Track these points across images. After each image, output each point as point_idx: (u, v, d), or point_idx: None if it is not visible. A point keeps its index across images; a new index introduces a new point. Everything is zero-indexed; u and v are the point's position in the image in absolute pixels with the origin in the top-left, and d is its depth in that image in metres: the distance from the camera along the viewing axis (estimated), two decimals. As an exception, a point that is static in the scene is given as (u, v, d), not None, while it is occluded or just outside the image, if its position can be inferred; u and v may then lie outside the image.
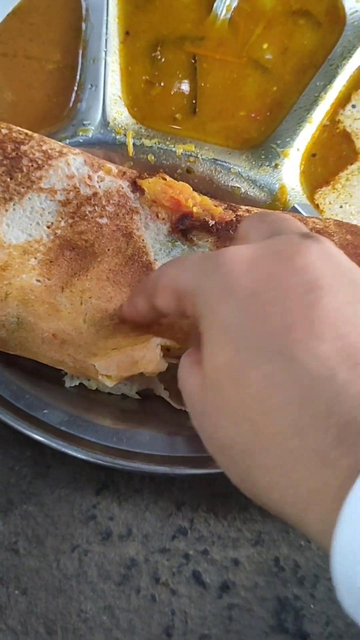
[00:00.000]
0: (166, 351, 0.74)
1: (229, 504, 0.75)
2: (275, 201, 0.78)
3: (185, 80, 0.82)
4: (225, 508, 0.75)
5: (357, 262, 0.73)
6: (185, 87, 0.82)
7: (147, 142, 0.78)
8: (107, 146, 0.78)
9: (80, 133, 0.78)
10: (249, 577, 0.72)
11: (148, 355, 0.70)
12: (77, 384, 0.73)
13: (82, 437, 0.71)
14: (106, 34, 0.81)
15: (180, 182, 0.74)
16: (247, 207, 0.74)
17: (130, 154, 0.78)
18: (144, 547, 0.73)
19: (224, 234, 0.72)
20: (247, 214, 0.73)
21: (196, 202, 0.73)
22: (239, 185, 0.78)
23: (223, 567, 0.73)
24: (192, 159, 0.78)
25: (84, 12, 0.83)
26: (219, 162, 0.78)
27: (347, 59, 0.82)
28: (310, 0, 0.85)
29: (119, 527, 0.74)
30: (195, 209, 0.72)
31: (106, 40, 0.81)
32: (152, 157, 0.78)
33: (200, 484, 0.75)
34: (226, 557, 0.73)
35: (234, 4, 0.85)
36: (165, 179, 0.74)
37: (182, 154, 0.78)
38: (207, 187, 0.79)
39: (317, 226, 0.73)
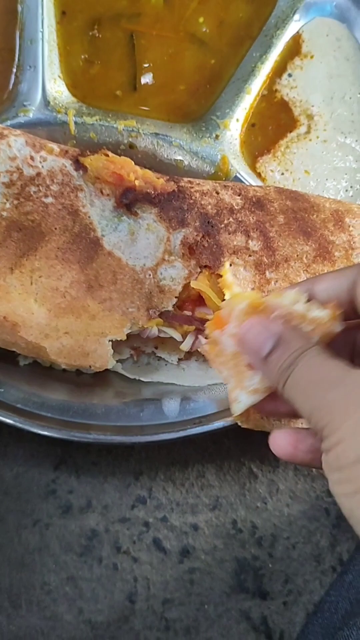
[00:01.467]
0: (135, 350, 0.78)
1: (187, 471, 0.77)
2: (218, 172, 0.80)
3: (124, 57, 0.83)
4: (183, 475, 0.77)
5: (297, 226, 0.77)
6: (124, 63, 0.83)
7: (88, 120, 0.79)
8: (49, 126, 0.79)
9: (21, 114, 0.79)
10: (208, 541, 0.75)
11: (99, 350, 0.72)
12: (31, 361, 0.75)
13: (38, 413, 0.73)
14: (42, 14, 0.82)
15: (122, 157, 0.75)
16: (189, 179, 0.76)
17: (72, 133, 0.79)
18: (104, 518, 0.75)
19: (166, 204, 0.73)
20: (190, 185, 0.75)
21: (138, 176, 0.74)
22: (181, 158, 0.80)
23: (182, 532, 0.75)
24: (134, 134, 0.79)
25: (19, -6, 0.85)
26: (160, 136, 0.80)
27: (281, 29, 0.84)
28: (244, -27, 0.87)
29: (78, 500, 0.76)
30: (137, 182, 0.74)
31: (42, 21, 0.82)
32: (95, 135, 0.79)
33: (157, 452, 0.77)
34: (185, 523, 0.76)
35: (169, -21, 0.87)
36: (107, 155, 0.76)
37: (123, 129, 0.79)
38: (151, 162, 0.80)
39: (258, 194, 0.76)
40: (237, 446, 0.78)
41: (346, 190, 0.83)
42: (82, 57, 0.83)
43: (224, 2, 0.86)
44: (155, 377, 0.75)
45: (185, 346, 0.74)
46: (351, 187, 0.83)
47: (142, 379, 0.75)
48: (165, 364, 0.77)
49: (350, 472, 0.47)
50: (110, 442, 0.69)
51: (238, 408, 0.60)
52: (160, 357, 0.77)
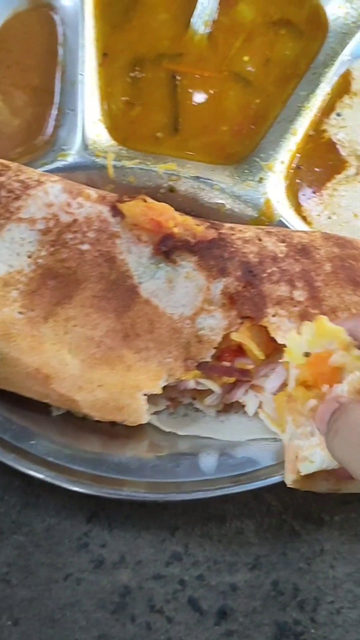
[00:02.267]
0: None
1: (225, 527, 0.74)
2: (261, 216, 0.77)
3: (166, 98, 0.82)
4: (221, 531, 0.74)
5: (344, 275, 0.74)
6: (166, 105, 0.82)
7: (127, 164, 0.78)
8: (88, 170, 0.79)
9: (60, 158, 0.79)
10: (246, 602, 0.71)
11: (134, 405, 0.70)
12: (63, 412, 0.73)
13: (69, 467, 0.71)
14: (83, 56, 0.82)
15: (161, 203, 0.74)
16: (230, 225, 0.74)
17: (111, 177, 0.78)
18: (138, 574, 0.73)
19: (206, 252, 0.71)
20: (231, 232, 0.73)
21: (177, 223, 0.72)
22: (223, 202, 0.78)
23: (220, 592, 0.72)
24: (174, 177, 0.78)
25: (60, 36, 0.84)
26: (201, 179, 0.78)
27: (330, 66, 0.82)
28: (291, 9, 0.84)
29: (111, 555, 0.74)
30: (176, 230, 0.72)
31: (83, 62, 0.82)
32: (134, 179, 0.78)
33: (193, 507, 0.74)
34: (223, 582, 0.72)
35: (212, 18, 0.85)
36: (145, 201, 0.74)
37: (163, 173, 0.78)
38: (192, 206, 0.79)
39: (303, 240, 0.73)
40: (278, 502, 0.74)
41: None
42: (123, 99, 0.82)
43: (270, 40, 0.84)
44: (191, 431, 0.73)
45: (215, 400, 0.72)
46: None
47: (177, 432, 0.72)
48: (204, 416, 0.75)
49: None
50: (144, 500, 0.67)
51: (308, 468, 0.56)
52: (198, 409, 0.75)
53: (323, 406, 0.53)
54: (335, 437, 0.50)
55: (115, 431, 0.73)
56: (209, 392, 0.74)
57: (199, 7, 0.85)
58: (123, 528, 0.75)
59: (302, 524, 0.74)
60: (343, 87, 0.83)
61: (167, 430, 0.73)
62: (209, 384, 0.72)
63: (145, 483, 0.70)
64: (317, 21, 0.85)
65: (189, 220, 0.74)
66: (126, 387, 0.70)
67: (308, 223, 0.79)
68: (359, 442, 0.48)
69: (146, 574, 0.73)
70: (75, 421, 0.73)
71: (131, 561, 0.74)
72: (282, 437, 0.65)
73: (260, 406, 0.72)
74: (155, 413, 0.74)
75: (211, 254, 0.72)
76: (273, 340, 0.71)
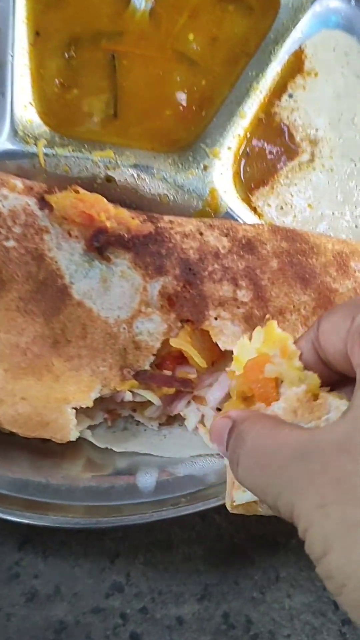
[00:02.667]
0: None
1: (171, 554, 0.67)
2: (206, 207, 0.70)
3: (104, 81, 0.75)
4: (166, 558, 0.67)
5: (293, 272, 0.66)
6: (104, 88, 0.74)
7: (60, 151, 0.71)
8: (17, 158, 0.71)
9: (-14, 147, 0.71)
10: (195, 638, 0.64)
11: (60, 420, 0.63)
12: (-14, 425, 0.67)
13: None
14: (13, 36, 0.74)
15: (93, 194, 0.67)
16: (170, 218, 0.67)
17: (43, 166, 0.70)
18: (74, 608, 0.66)
19: (142, 248, 0.64)
20: (170, 225, 0.66)
21: (110, 215, 0.65)
22: (165, 192, 0.71)
23: (165, 626, 0.65)
24: (111, 166, 0.70)
25: (-13, 14, 0.77)
26: (141, 167, 0.71)
27: (281, 44, 0.74)
28: (240, -17, 0.77)
29: (45, 586, 0.66)
30: (109, 223, 0.65)
31: (13, 42, 0.74)
32: (68, 168, 0.71)
33: (136, 531, 0.67)
34: (168, 615, 0.65)
35: (154, -7, 0.78)
36: (77, 192, 0.67)
37: (100, 161, 0.70)
38: (131, 197, 0.71)
39: (249, 234, 0.66)
40: (229, 524, 0.67)
41: (356, 227, 0.72)
42: (57, 81, 0.74)
43: (217, 16, 0.76)
44: (129, 447, 0.66)
45: (156, 412, 0.66)
46: (363, 222, 0.72)
47: (114, 448, 0.65)
48: (145, 430, 0.68)
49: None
50: (73, 527, 0.60)
51: (241, 498, 0.49)
52: (139, 422, 0.68)
53: (215, 423, 0.46)
54: (239, 469, 0.43)
55: (48, 448, 0.66)
56: (150, 403, 0.67)
57: (140, -19, 0.78)
58: (59, 555, 0.67)
59: (256, 548, 0.67)
60: (295, 67, 0.75)
61: (103, 446, 0.66)
62: (147, 395, 0.65)
63: (77, 507, 0.63)
64: (268, -3, 0.78)
65: (124, 213, 0.66)
66: (52, 400, 0.63)
67: (258, 215, 0.72)
68: (261, 470, 0.42)
69: (84, 608, 0.66)
70: (0, 437, 0.66)
71: (67, 593, 0.66)
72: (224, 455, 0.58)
73: (202, 420, 0.65)
74: (91, 427, 0.68)
75: (147, 251, 0.65)
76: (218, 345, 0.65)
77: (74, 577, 0.66)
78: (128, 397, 0.64)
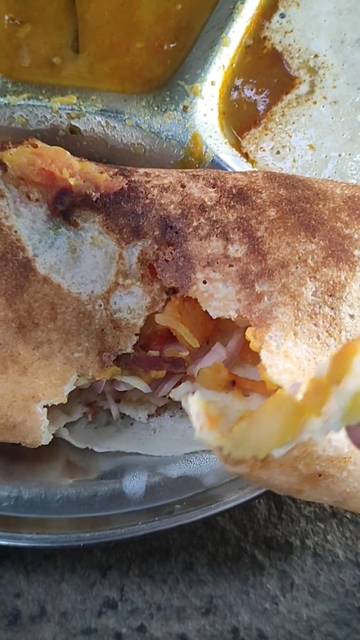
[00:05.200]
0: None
1: (169, 563, 0.58)
2: (189, 156, 0.59)
3: (62, 12, 0.63)
4: (165, 568, 0.58)
5: (295, 220, 0.54)
6: (62, 20, 0.63)
7: (14, 100, 0.59)
8: (-36, 112, 0.60)
9: None
10: (202, 657, 0.56)
11: (29, 422, 0.53)
12: None
13: None
14: None
15: (54, 148, 0.56)
16: (146, 170, 0.56)
17: (-6, 119, 0.59)
18: (63, 629, 0.57)
19: (114, 208, 0.53)
20: (146, 178, 0.55)
21: (74, 172, 0.54)
22: (139, 142, 0.60)
23: (168, 646, 0.56)
24: (74, 114, 0.59)
25: None
26: (110, 114, 0.59)
27: None
28: None
29: (28, 606, 0.58)
30: (73, 181, 0.54)
31: None
32: (24, 119, 0.60)
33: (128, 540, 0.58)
34: (170, 633, 0.56)
35: None
36: (35, 146, 0.56)
37: (60, 109, 0.59)
38: (100, 150, 0.60)
39: (240, 182, 0.55)
40: (234, 526, 0.58)
41: (369, 170, 0.61)
42: (7, 17, 0.63)
43: None
44: (113, 445, 0.56)
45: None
46: (375, 164, 0.61)
47: (95, 448, 0.56)
48: (131, 424, 0.58)
49: None
50: (50, 547, 0.51)
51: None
52: (124, 415, 0.59)
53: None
54: None
55: (19, 451, 0.57)
56: (136, 391, 0.58)
57: None
58: (42, 570, 0.58)
59: (266, 552, 0.59)
60: (287, -21, 0.64)
61: (82, 446, 0.57)
62: (133, 382, 0.56)
63: (55, 521, 0.54)
64: None
65: (90, 167, 0.55)
66: (19, 397, 0.53)
67: (251, 161, 0.61)
68: None
69: (73, 629, 0.57)
70: (-33, 444, 0.57)
71: (54, 613, 0.58)
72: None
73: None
74: (69, 424, 0.58)
75: (120, 210, 0.54)
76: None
77: (61, 595, 0.57)
78: (109, 387, 0.55)
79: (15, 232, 0.56)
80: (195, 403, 0.44)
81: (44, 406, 0.52)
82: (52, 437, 0.52)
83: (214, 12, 0.62)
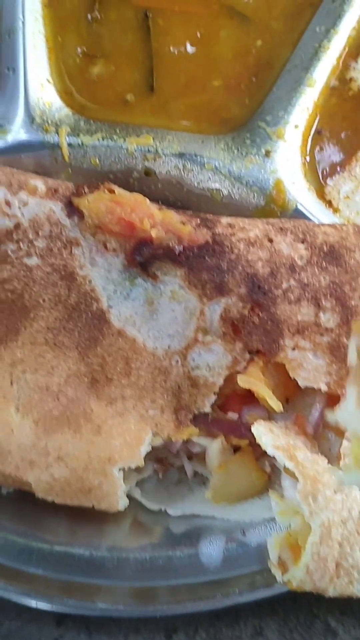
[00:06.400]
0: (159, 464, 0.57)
1: (238, 628, 0.56)
2: (270, 203, 0.57)
3: (137, 46, 0.61)
4: (233, 633, 0.56)
5: None
6: (136, 55, 0.61)
7: (87, 140, 0.58)
8: (35, 151, 0.59)
9: (-3, 137, 0.58)
10: None
11: (105, 485, 0.52)
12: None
13: (24, 571, 0.53)
14: (23, -4, 0.60)
15: (134, 194, 0.54)
16: (229, 220, 0.54)
17: (67, 159, 0.58)
18: None
19: (197, 263, 0.51)
20: (230, 230, 0.52)
21: (156, 222, 0.53)
22: (218, 187, 0.58)
23: None
24: (150, 156, 0.57)
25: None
26: (187, 156, 0.58)
27: (357, -11, 0.59)
28: None
29: (92, 669, 0.56)
30: (155, 232, 0.52)
31: (23, 4, 0.60)
32: (97, 160, 0.58)
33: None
34: None
35: None
36: (112, 192, 0.54)
37: (136, 150, 0.57)
38: (176, 193, 0.59)
39: (331, 238, 0.53)
40: (307, 592, 0.56)
41: None
42: (79, 50, 0.62)
43: None
44: (187, 508, 0.54)
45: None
46: None
47: (169, 511, 0.54)
48: (204, 482, 0.56)
49: None
50: (124, 617, 0.49)
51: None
52: (197, 472, 0.57)
53: None
54: None
55: (87, 509, 0.55)
56: (210, 450, 0.56)
57: None
58: (104, 631, 0.56)
59: (340, 619, 0.56)
60: (377, 18, 0.61)
61: (155, 508, 0.55)
62: (210, 444, 0.54)
63: (126, 590, 0.52)
64: None
65: (172, 217, 0.54)
66: (94, 459, 0.52)
67: (335, 210, 0.59)
68: None
69: None
70: (33, 499, 0.55)
71: (118, 675, 0.56)
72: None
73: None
74: (139, 483, 0.56)
75: (204, 265, 0.53)
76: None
77: (126, 657, 0.56)
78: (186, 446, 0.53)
79: (90, 281, 0.54)
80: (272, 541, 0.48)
81: (120, 469, 0.51)
82: (128, 502, 0.50)
83: (295, 50, 0.61)
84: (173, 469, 0.57)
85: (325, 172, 0.60)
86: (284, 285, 0.51)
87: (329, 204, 0.59)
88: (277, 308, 0.51)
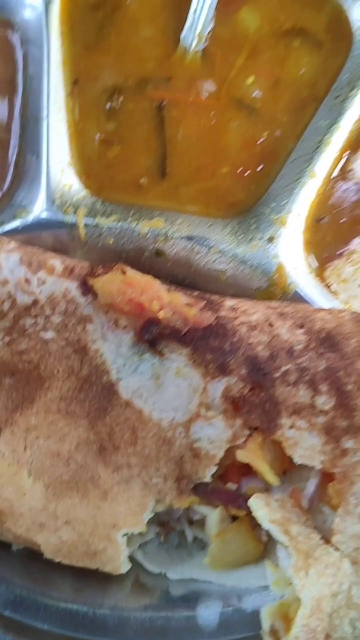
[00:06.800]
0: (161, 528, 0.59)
1: None
2: (273, 286, 0.61)
3: (151, 134, 0.65)
4: None
5: None
6: (151, 142, 0.65)
7: (103, 222, 0.62)
8: (55, 230, 0.63)
9: (20, 216, 0.62)
10: None
11: (110, 550, 0.55)
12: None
13: (31, 625, 0.56)
14: (48, 85, 0.65)
15: (144, 277, 0.58)
16: (233, 303, 0.58)
17: (83, 238, 0.62)
18: None
19: (201, 343, 0.55)
20: (234, 314, 0.56)
21: (163, 304, 0.56)
22: (223, 268, 0.62)
23: None
24: (161, 238, 0.61)
25: (19, 61, 0.67)
26: (195, 239, 0.61)
27: (357, 87, 0.64)
28: (306, 15, 0.67)
29: None
30: (162, 313, 0.56)
31: (48, 93, 0.65)
32: (112, 240, 0.62)
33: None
34: None
35: (208, 30, 0.67)
36: (124, 273, 0.58)
37: (148, 232, 0.61)
38: (184, 273, 0.63)
39: (328, 325, 0.56)
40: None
41: None
42: (98, 136, 0.65)
43: (281, 54, 0.66)
44: (186, 572, 0.57)
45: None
46: None
47: (169, 574, 0.57)
48: (203, 547, 0.59)
49: None
50: None
51: None
52: (196, 537, 0.59)
53: None
54: None
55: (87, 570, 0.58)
56: (210, 517, 0.59)
57: (190, 17, 0.67)
58: None
59: None
60: (376, 115, 0.66)
61: (156, 571, 0.58)
62: (210, 513, 0.57)
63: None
64: (339, 29, 0.67)
65: (179, 300, 0.57)
66: (100, 525, 0.55)
67: (334, 293, 0.62)
68: None
69: None
70: (41, 556, 0.58)
71: None
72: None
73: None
74: (142, 545, 0.59)
75: (208, 346, 0.56)
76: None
77: None
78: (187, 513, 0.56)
79: (101, 355, 0.57)
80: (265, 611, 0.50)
81: (124, 534, 0.54)
82: (130, 565, 0.53)
83: (299, 142, 0.64)
84: (174, 533, 0.60)
85: (325, 258, 0.63)
86: (283, 369, 0.54)
87: (328, 287, 0.62)
88: (276, 389, 0.54)
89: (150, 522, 0.58)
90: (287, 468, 0.57)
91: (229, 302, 0.58)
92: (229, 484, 0.56)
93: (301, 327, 0.56)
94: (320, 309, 0.58)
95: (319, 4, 0.68)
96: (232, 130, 0.66)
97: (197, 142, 0.66)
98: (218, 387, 0.55)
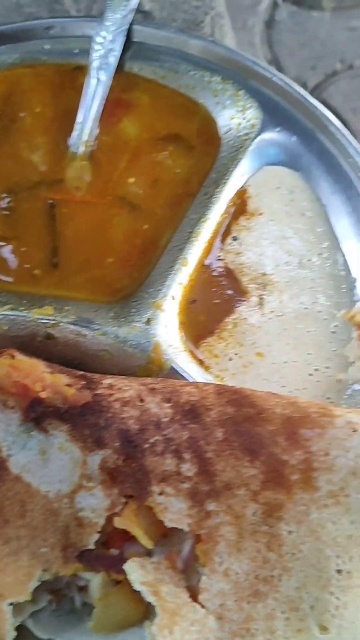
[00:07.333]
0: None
1: None
2: (150, 364, 0.67)
3: (43, 230, 0.72)
4: None
5: (239, 443, 0.62)
6: (43, 237, 0.72)
7: (-2, 311, 0.68)
8: None
9: None
10: None
11: None
12: None
13: None
14: None
15: (30, 361, 0.63)
16: (110, 381, 0.63)
17: (-21, 327, 0.67)
18: None
19: (79, 420, 0.60)
20: (109, 392, 0.62)
21: (46, 385, 0.62)
22: (107, 349, 0.68)
23: None
24: (50, 324, 0.67)
25: None
26: (81, 323, 0.67)
27: (223, 185, 0.72)
28: (180, 123, 0.76)
29: None
30: (45, 394, 0.61)
31: None
32: (5, 327, 0.67)
33: None
34: None
35: (92, 138, 0.76)
36: (13, 357, 0.64)
37: (38, 319, 0.67)
38: (73, 354, 0.68)
39: (192, 398, 0.62)
40: None
41: (310, 375, 0.68)
42: (-6, 237, 0.73)
43: (158, 157, 0.75)
44: (74, 637, 0.60)
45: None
46: (316, 370, 0.68)
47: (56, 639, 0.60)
48: (91, 613, 0.62)
49: None
50: None
51: None
52: (86, 602, 0.63)
53: None
54: None
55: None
56: (97, 582, 0.62)
57: (77, 127, 0.76)
58: None
59: None
60: (238, 208, 0.73)
61: (46, 637, 0.60)
62: (92, 578, 0.60)
63: None
64: (209, 134, 0.76)
65: (60, 380, 0.63)
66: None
67: (205, 367, 0.68)
68: None
69: None
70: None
71: None
72: None
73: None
74: (34, 613, 0.62)
75: (85, 422, 0.61)
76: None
77: None
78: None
79: (-9, 434, 0.62)
80: None
81: (10, 604, 0.57)
82: (16, 634, 0.56)
83: (175, 233, 0.72)
84: (66, 600, 0.64)
85: (197, 336, 0.69)
86: (151, 440, 0.59)
87: (201, 362, 0.68)
88: (146, 459, 0.59)
89: (42, 590, 0.61)
90: (167, 532, 0.61)
91: (107, 381, 0.63)
92: (112, 549, 0.59)
93: (169, 401, 0.61)
94: (188, 383, 0.64)
95: (191, 113, 0.77)
96: (117, 224, 0.73)
97: (86, 235, 0.73)
98: (95, 460, 0.59)
